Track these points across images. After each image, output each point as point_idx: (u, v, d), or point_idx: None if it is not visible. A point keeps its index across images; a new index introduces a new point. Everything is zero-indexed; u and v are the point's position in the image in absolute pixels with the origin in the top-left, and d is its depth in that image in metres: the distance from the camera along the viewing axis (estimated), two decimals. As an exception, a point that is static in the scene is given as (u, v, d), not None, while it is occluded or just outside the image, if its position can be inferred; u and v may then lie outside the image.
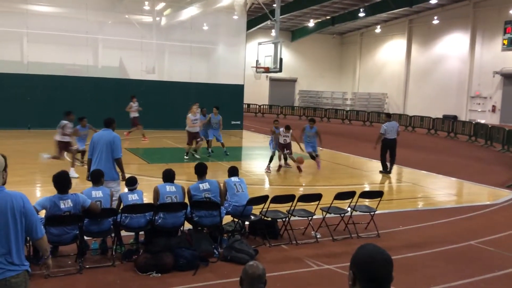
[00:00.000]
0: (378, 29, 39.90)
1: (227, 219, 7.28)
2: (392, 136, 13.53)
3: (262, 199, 7.24)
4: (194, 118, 14.98)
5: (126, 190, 6.82)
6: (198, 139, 15.13)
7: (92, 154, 7.46)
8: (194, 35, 25.76)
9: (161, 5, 26.33)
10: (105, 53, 25.28)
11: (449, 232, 8.18)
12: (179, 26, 26.95)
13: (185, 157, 14.67)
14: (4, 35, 21.96)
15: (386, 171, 13.57)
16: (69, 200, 5.71)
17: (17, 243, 3.38)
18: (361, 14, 33.38)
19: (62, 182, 5.76)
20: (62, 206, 5.66)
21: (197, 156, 14.94)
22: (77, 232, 5.86)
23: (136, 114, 18.78)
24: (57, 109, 21.32)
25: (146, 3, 25.54)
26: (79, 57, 23.70)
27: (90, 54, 24.68)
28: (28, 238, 4.02)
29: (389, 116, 14.56)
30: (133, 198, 6.54)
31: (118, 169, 7.49)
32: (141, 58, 24.91)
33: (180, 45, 25.97)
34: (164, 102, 23.37)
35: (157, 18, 26.67)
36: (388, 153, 13.57)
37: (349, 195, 7.75)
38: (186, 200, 6.83)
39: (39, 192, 10.10)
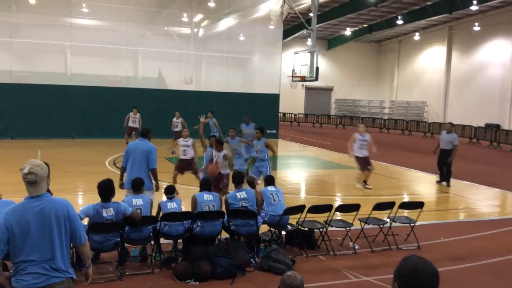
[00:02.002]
0: (416, 37, 39.17)
1: (263, 228, 7.28)
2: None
3: (299, 209, 7.20)
4: (362, 139, 12.01)
5: (164, 198, 6.94)
6: (369, 166, 12.13)
7: (127, 162, 7.61)
8: (230, 45, 26.08)
9: (199, 16, 26.82)
10: (145, 64, 25.94)
11: (493, 245, 7.89)
12: (216, 37, 27.36)
13: (358, 185, 12.01)
14: (49, 48, 22.95)
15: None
16: (111, 208, 5.87)
17: (61, 249, 3.46)
18: (399, 22, 32.88)
19: (106, 190, 5.92)
20: (104, 214, 5.83)
21: (359, 186, 12.00)
22: (118, 239, 6.00)
23: (132, 124, 18.50)
24: (99, 119, 22.16)
25: (185, 15, 26.07)
26: (120, 68, 24.39)
27: (130, 66, 25.37)
28: (71, 244, 4.14)
29: (453, 126, 13.89)
30: (172, 206, 6.65)
31: (152, 179, 7.63)
32: (180, 68, 25.37)
33: (217, 56, 26.35)
34: (201, 112, 23.52)
35: (195, 30, 27.17)
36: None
37: (388, 205, 7.61)
38: (223, 209, 6.89)
39: (81, 200, 10.40)
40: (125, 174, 7.67)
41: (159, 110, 22.31)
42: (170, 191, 6.89)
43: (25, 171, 3.37)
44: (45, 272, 3.37)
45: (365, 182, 12.30)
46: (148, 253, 6.51)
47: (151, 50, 25.17)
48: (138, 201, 6.43)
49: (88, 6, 23.53)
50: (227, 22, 26.47)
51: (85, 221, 5.88)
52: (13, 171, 12.90)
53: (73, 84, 22.34)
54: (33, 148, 17.38)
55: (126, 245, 6.35)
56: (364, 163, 12.17)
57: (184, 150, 10.92)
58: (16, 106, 21.19)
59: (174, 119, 18.33)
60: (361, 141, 12.02)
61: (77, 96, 22.09)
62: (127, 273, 6.02)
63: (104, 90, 22.76)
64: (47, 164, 3.59)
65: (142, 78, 25.63)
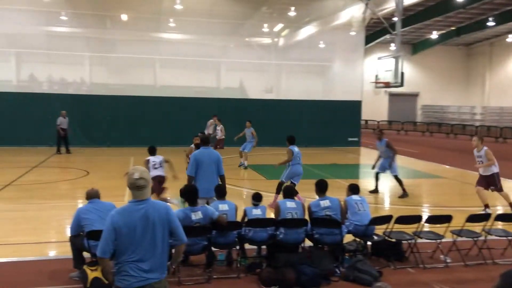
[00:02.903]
0: (510, 38, 36.58)
1: (348, 238, 7.15)
2: None
3: (386, 219, 6.98)
4: (478, 155, 10.02)
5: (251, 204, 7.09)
6: (491, 187, 9.94)
7: (195, 171, 7.60)
8: (311, 53, 26.06)
9: (279, 26, 27.12)
10: (227, 75, 26.72)
11: None
12: (296, 46, 27.47)
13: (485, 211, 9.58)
14: (139, 62, 24.45)
15: None
16: (200, 212, 6.10)
17: (162, 250, 3.67)
18: (490, 24, 30.93)
19: (192, 194, 6.20)
20: (193, 217, 6.07)
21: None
22: (206, 243, 6.21)
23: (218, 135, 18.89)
24: (186, 128, 23.06)
25: (265, 25, 26.50)
26: (204, 79, 25.36)
27: (213, 77, 26.28)
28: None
29: None
30: (256, 212, 6.77)
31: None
32: (260, 78, 25.80)
33: (297, 64, 26.42)
34: (282, 120, 23.83)
35: (275, 39, 27.49)
36: None
37: (483, 217, 7.14)
38: (306, 217, 6.87)
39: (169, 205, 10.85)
40: None
41: (241, 119, 22.81)
42: (257, 198, 7.01)
43: (136, 176, 3.62)
44: (145, 272, 3.58)
45: (486, 206, 9.85)
46: (234, 258, 6.66)
47: (233, 61, 25.89)
48: (224, 206, 6.62)
49: (175, 21, 24.73)
50: (308, 30, 26.49)
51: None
52: (108, 177, 13.88)
53: (161, 95, 23.56)
54: (126, 156, 18.50)
55: (213, 249, 6.55)
56: (485, 183, 9.98)
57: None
58: (112, 116, 22.77)
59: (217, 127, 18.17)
60: (477, 158, 10.03)
61: (165, 107, 23.22)
62: (215, 276, 6.20)
63: (190, 100, 23.71)
64: None
65: (225, 88, 26.39)
